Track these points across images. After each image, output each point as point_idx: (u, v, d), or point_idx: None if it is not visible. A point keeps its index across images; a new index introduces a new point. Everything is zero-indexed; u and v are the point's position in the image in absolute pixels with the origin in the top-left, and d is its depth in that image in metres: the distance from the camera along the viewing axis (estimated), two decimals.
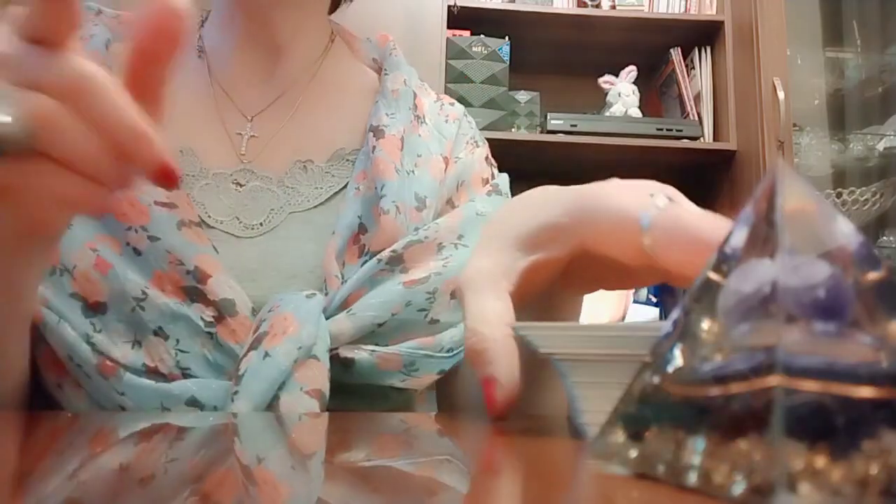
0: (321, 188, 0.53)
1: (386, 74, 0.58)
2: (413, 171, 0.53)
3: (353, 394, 0.47)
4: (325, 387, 0.43)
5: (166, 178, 0.29)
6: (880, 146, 1.97)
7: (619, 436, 0.20)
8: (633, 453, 0.20)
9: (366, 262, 0.48)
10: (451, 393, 0.52)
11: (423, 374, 0.48)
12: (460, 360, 0.49)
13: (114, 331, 0.43)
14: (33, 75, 0.27)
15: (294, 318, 0.43)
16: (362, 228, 0.49)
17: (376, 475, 0.21)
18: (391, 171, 0.51)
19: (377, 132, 0.53)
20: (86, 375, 0.43)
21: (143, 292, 0.43)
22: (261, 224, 0.50)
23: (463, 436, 0.32)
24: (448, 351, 0.49)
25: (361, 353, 0.46)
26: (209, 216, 0.49)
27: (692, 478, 0.17)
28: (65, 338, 0.43)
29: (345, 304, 0.46)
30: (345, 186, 0.53)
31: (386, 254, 0.48)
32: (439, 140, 0.57)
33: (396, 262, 0.48)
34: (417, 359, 0.47)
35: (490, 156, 0.62)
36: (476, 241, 0.52)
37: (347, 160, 0.54)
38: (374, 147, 0.52)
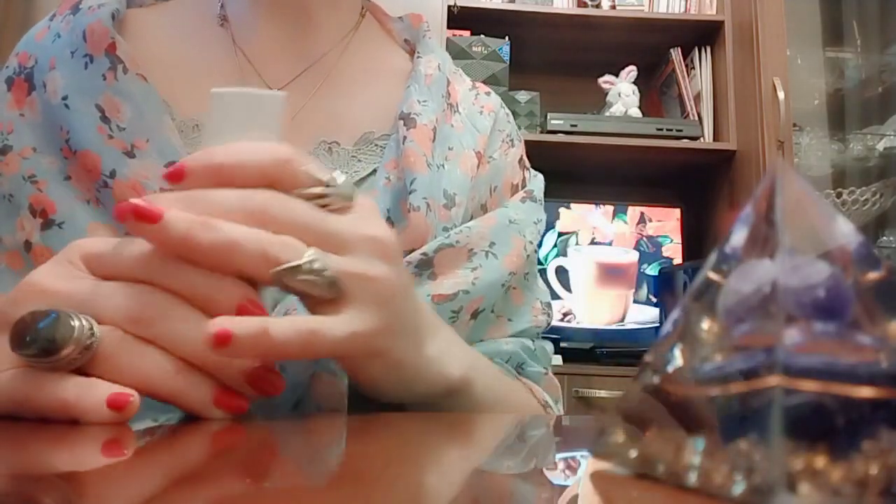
0: (347, 173, 0.48)
1: (419, 57, 0.55)
2: (443, 165, 0.50)
3: (368, 405, 0.45)
4: (343, 405, 0.41)
5: (260, 384, 0.30)
6: (880, 146, 1.97)
7: (619, 436, 0.20)
8: (633, 453, 0.20)
9: None
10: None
11: None
12: None
13: None
14: (99, 309, 0.28)
15: None
16: (389, 223, 0.46)
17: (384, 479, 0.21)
18: (422, 163, 0.48)
19: (408, 120, 0.50)
20: None
21: None
22: None
23: (464, 435, 0.32)
24: None
25: None
26: None
27: (692, 478, 0.17)
28: None
29: None
30: (372, 173, 0.49)
31: (416, 256, 0.45)
32: (472, 133, 0.54)
33: (426, 267, 0.45)
34: None
35: (524, 156, 0.59)
36: (507, 250, 0.51)
37: (376, 145, 0.51)
38: (404, 137, 0.49)
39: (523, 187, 0.57)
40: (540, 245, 0.60)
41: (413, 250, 0.45)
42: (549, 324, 0.56)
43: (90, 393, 0.27)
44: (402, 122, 0.50)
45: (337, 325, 0.30)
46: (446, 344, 0.39)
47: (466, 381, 0.40)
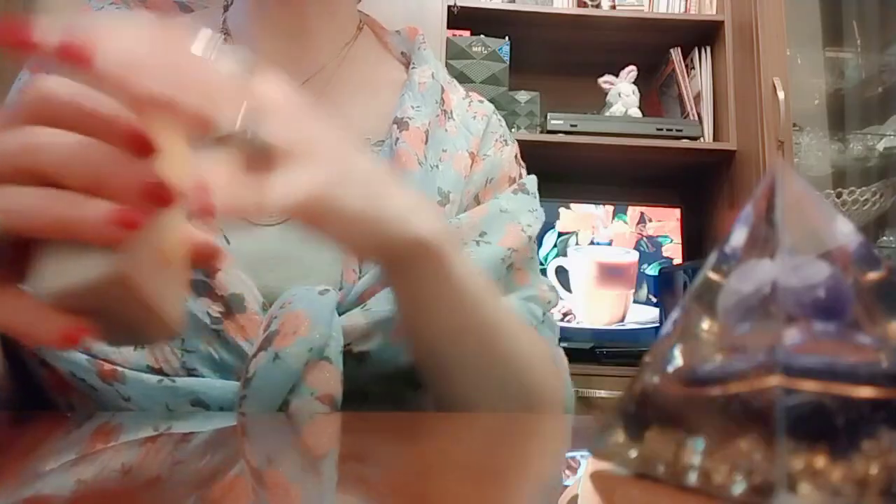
0: None
1: (413, 68, 0.58)
2: (437, 166, 0.52)
3: (366, 397, 0.45)
4: (338, 391, 0.41)
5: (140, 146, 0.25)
6: (880, 146, 1.97)
7: (619, 436, 0.20)
8: (633, 453, 0.20)
9: None
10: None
11: None
12: None
13: None
14: None
15: (306, 317, 0.41)
16: None
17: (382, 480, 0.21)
18: (413, 162, 0.50)
19: (401, 124, 0.52)
20: (90, 387, 0.41)
21: None
22: None
23: (463, 435, 0.32)
24: None
25: (374, 342, 0.44)
26: None
27: (692, 478, 0.17)
28: (60, 353, 0.41)
29: (360, 299, 0.45)
30: None
31: None
32: (466, 136, 0.56)
33: None
34: None
35: (519, 155, 0.61)
36: (500, 236, 0.52)
37: (372, 150, 0.53)
38: (396, 139, 0.51)
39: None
40: (540, 245, 0.61)
41: None
42: (553, 304, 0.56)
43: (45, 322, 0.26)
44: (395, 126, 0.52)
45: (287, 183, 0.30)
46: (414, 203, 0.38)
47: (439, 249, 0.38)
